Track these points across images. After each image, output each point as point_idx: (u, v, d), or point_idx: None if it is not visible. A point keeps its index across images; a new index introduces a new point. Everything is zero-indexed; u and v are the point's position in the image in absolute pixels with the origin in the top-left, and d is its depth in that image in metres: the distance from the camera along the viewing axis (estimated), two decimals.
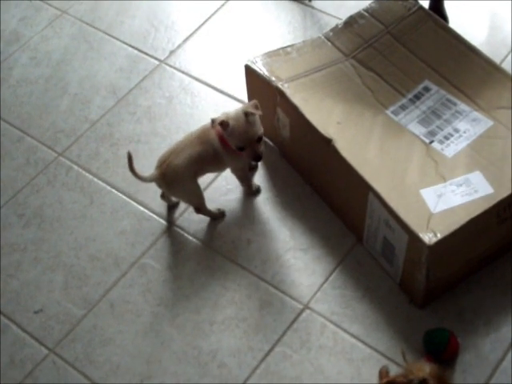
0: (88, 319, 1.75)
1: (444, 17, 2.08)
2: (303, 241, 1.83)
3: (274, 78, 1.82)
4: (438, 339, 1.59)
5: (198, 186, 1.81)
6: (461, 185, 1.62)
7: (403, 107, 1.78)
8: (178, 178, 1.76)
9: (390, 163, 1.68)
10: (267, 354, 1.67)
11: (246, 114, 1.67)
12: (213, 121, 1.69)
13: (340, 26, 1.93)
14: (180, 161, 1.74)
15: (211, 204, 1.86)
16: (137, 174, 1.75)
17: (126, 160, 2.00)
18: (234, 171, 1.87)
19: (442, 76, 1.82)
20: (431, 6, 2.06)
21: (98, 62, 2.26)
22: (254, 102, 1.70)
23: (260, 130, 1.70)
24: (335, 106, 1.78)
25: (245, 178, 1.89)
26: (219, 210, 1.88)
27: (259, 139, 1.70)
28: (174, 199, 1.90)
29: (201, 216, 1.88)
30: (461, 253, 1.63)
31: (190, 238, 1.86)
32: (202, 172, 1.82)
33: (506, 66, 1.99)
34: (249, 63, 1.88)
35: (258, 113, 1.68)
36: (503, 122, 1.72)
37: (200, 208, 1.85)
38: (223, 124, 1.68)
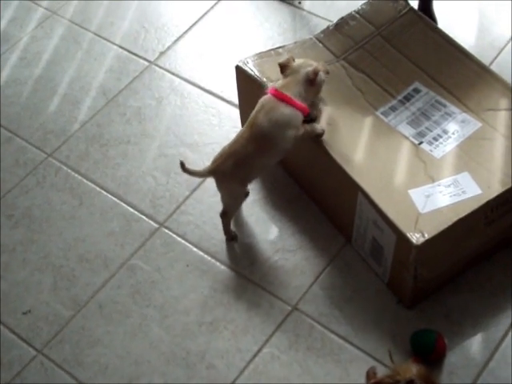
0: (76, 320, 1.75)
1: (433, 18, 2.08)
2: (292, 242, 1.83)
3: (264, 79, 1.82)
4: (426, 340, 1.59)
5: (243, 194, 1.79)
6: (449, 185, 1.62)
7: (393, 108, 1.78)
8: (225, 181, 1.74)
9: (379, 164, 1.68)
10: (255, 355, 1.66)
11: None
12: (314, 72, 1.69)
13: (331, 28, 1.93)
14: (227, 167, 1.69)
15: (199, 205, 1.86)
16: (190, 171, 1.73)
17: (115, 161, 2.03)
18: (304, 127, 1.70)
19: (432, 78, 1.82)
20: (420, 7, 2.07)
21: (88, 62, 2.25)
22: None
23: None
24: (325, 107, 1.78)
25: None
26: (234, 231, 1.85)
27: None
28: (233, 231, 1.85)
29: (190, 217, 1.88)
30: (448, 253, 1.64)
31: (179, 239, 1.86)
32: (252, 174, 1.75)
33: (494, 68, 1.98)
34: (240, 64, 1.87)
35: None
36: (492, 123, 1.72)
37: (227, 215, 1.81)
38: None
